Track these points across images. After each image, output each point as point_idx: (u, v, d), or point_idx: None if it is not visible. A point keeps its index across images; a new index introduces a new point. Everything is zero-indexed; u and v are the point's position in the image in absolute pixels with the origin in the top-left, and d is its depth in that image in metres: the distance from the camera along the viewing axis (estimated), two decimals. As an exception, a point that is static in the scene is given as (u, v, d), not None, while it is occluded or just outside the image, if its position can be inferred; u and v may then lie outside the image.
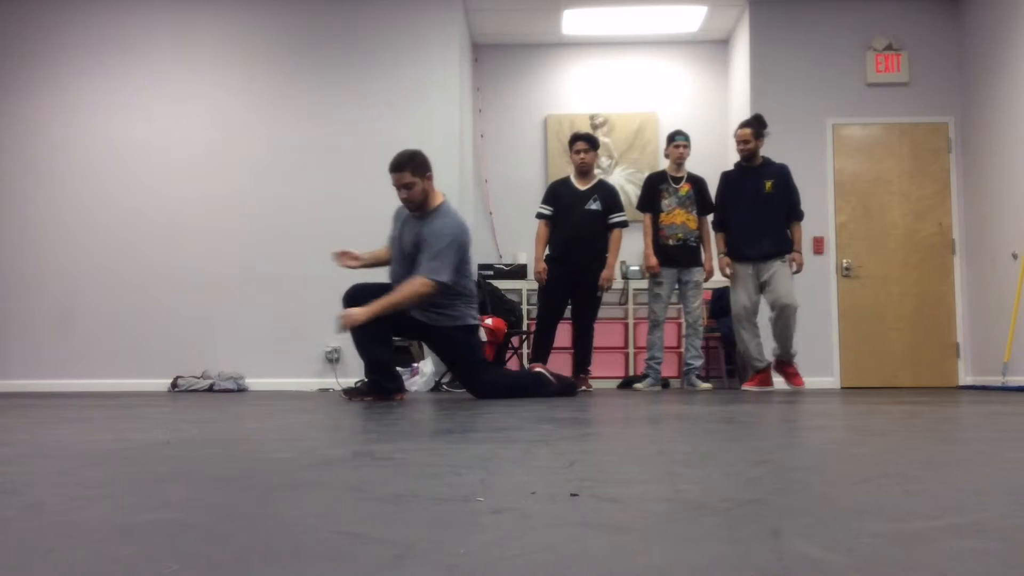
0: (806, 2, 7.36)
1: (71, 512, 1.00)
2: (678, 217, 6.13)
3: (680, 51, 8.23)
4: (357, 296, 4.41)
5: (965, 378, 7.08)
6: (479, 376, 4.53)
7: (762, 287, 5.86)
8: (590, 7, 7.44)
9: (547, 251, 5.98)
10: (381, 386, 4.41)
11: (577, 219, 5.89)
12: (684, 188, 6.18)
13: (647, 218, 6.18)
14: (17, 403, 4.33)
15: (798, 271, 5.87)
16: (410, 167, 4.40)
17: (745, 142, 5.88)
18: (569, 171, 6.16)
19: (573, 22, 7.73)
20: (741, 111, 7.59)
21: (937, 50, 7.32)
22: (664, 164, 6.66)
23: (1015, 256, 6.42)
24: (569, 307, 6.03)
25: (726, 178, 6.11)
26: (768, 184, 5.86)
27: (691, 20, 7.71)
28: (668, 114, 8.10)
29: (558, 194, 6.03)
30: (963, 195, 7.20)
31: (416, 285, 4.27)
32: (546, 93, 8.20)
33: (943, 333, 7.14)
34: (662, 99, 8.18)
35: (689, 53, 8.23)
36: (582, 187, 5.98)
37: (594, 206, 5.92)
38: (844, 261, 7.19)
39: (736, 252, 5.92)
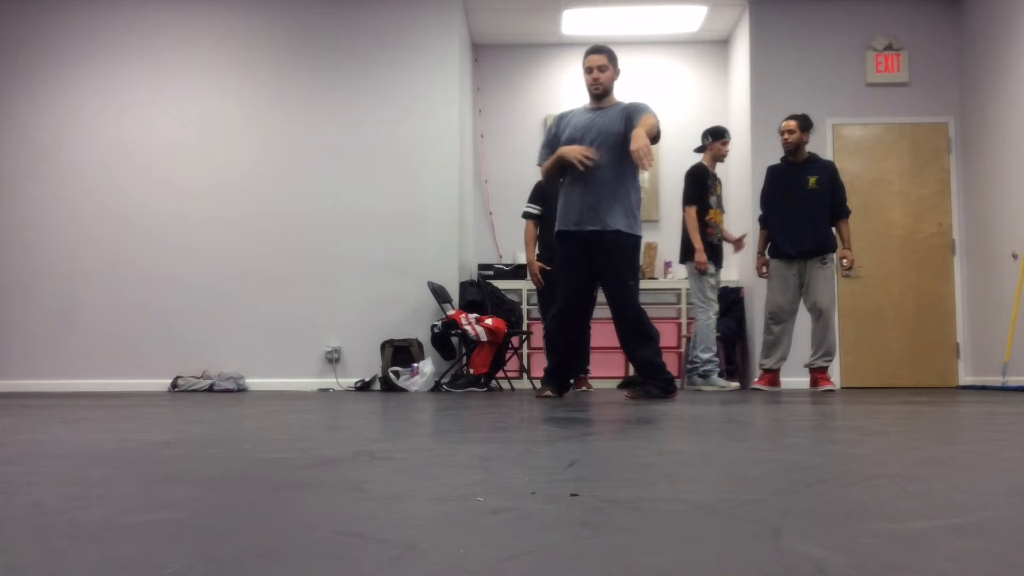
0: (806, 2, 7.36)
1: (71, 512, 1.00)
2: (717, 215, 6.11)
3: (680, 51, 8.22)
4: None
5: (965, 378, 7.08)
6: (630, 297, 4.50)
7: (801, 289, 5.76)
8: (590, 7, 7.44)
9: (537, 251, 5.86)
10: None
11: None
12: (719, 187, 6.18)
13: (693, 211, 5.99)
14: (17, 403, 4.33)
15: (850, 268, 5.74)
16: (608, 53, 4.63)
17: (790, 132, 5.72)
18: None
19: (573, 22, 7.73)
20: (741, 111, 7.59)
21: (937, 50, 7.32)
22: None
23: (1015, 256, 6.41)
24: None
25: (771, 173, 5.93)
26: (812, 180, 5.71)
27: (691, 20, 7.70)
28: (668, 114, 8.10)
29: (547, 192, 5.95)
30: (963, 195, 7.20)
31: (652, 117, 4.34)
32: (546, 93, 8.20)
33: (943, 333, 7.14)
34: (662, 99, 8.17)
35: (689, 53, 8.22)
36: None
37: None
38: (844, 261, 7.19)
39: (776, 249, 5.82)
